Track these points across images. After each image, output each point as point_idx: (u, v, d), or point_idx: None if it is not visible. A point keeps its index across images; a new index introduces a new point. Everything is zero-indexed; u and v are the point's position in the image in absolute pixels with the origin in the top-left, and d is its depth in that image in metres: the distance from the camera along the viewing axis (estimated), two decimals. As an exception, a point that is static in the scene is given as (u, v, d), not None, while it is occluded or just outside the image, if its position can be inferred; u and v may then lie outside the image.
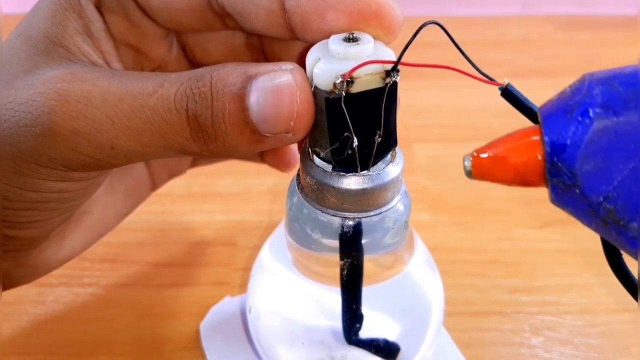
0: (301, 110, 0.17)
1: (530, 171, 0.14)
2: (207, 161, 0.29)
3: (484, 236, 0.35)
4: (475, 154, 0.15)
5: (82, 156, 0.18)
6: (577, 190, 0.13)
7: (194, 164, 0.29)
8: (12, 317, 0.29)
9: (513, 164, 0.14)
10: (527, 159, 0.14)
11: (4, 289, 0.23)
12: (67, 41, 0.19)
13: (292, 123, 0.17)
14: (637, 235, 0.13)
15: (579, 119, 0.13)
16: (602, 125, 0.13)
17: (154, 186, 0.28)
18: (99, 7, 0.20)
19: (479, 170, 0.15)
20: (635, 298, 0.15)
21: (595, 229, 0.14)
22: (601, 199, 0.13)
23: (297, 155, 0.26)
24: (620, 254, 0.15)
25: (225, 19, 0.20)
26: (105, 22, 0.20)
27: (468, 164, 0.15)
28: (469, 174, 0.15)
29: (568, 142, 0.13)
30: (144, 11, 0.20)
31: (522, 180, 0.14)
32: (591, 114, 0.13)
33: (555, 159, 0.14)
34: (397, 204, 0.19)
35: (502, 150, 0.14)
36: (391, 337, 0.22)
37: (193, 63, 0.23)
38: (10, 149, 0.18)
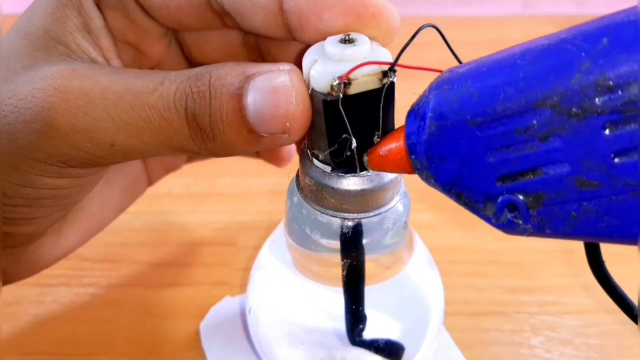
0: (297, 111, 0.17)
1: (406, 164, 0.16)
2: (203, 157, 0.29)
3: (484, 236, 0.34)
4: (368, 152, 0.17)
5: (81, 153, 0.18)
6: (432, 180, 0.16)
7: (190, 159, 0.29)
8: (12, 317, 0.29)
9: (392, 160, 0.17)
10: (400, 156, 0.16)
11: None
12: (67, 38, 0.19)
13: (288, 124, 0.17)
14: (486, 213, 0.15)
15: (420, 122, 0.15)
16: (434, 126, 0.15)
17: (150, 181, 0.28)
18: (98, 4, 0.20)
19: (372, 165, 0.17)
20: (623, 309, 0.16)
21: (463, 206, 0.16)
22: (449, 186, 0.15)
23: (293, 150, 0.26)
24: (603, 262, 0.17)
25: (224, 18, 0.20)
26: (104, 19, 0.20)
27: (365, 159, 0.17)
28: (368, 166, 0.18)
29: (416, 142, 0.15)
30: (144, 9, 0.20)
31: (404, 171, 0.17)
32: (427, 117, 0.15)
33: (412, 156, 0.16)
34: (396, 204, 0.19)
35: (383, 149, 0.17)
36: (391, 337, 0.22)
37: (190, 61, 0.24)
38: (9, 145, 0.18)
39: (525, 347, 0.28)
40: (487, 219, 0.15)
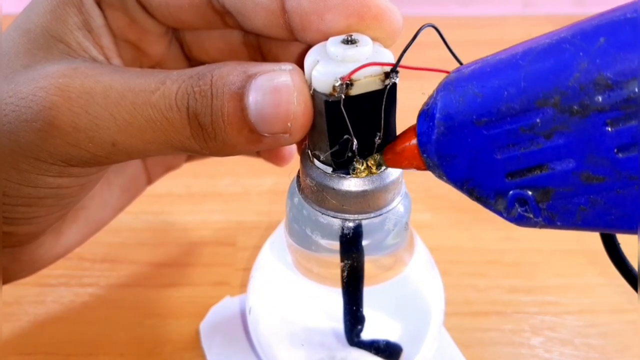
0: (298, 111, 0.17)
1: (420, 162, 0.17)
2: (204, 156, 0.29)
3: (484, 236, 0.34)
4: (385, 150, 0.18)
5: (82, 152, 0.18)
6: (444, 178, 0.16)
7: (190, 158, 0.29)
8: (12, 317, 0.29)
9: (407, 158, 0.17)
10: (414, 154, 0.17)
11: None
12: (67, 36, 0.19)
13: (289, 124, 0.17)
14: (498, 208, 0.16)
15: (430, 123, 0.16)
16: (443, 127, 0.15)
17: (150, 180, 0.28)
18: (98, 3, 0.20)
19: (389, 162, 0.18)
20: (635, 289, 0.16)
21: (475, 201, 0.16)
22: (460, 183, 0.16)
23: (293, 149, 0.26)
24: (618, 245, 0.16)
25: (225, 18, 0.20)
26: (105, 17, 0.20)
27: (379, 157, 0.18)
28: (385, 165, 0.18)
29: (426, 141, 0.16)
30: (144, 8, 0.20)
31: (419, 167, 0.17)
32: (435, 118, 0.16)
33: (424, 155, 0.16)
34: (397, 205, 0.19)
35: (399, 148, 0.17)
36: (392, 338, 0.22)
37: (191, 60, 0.23)
38: (10, 144, 0.18)
39: (525, 347, 0.28)
40: (499, 213, 0.16)
